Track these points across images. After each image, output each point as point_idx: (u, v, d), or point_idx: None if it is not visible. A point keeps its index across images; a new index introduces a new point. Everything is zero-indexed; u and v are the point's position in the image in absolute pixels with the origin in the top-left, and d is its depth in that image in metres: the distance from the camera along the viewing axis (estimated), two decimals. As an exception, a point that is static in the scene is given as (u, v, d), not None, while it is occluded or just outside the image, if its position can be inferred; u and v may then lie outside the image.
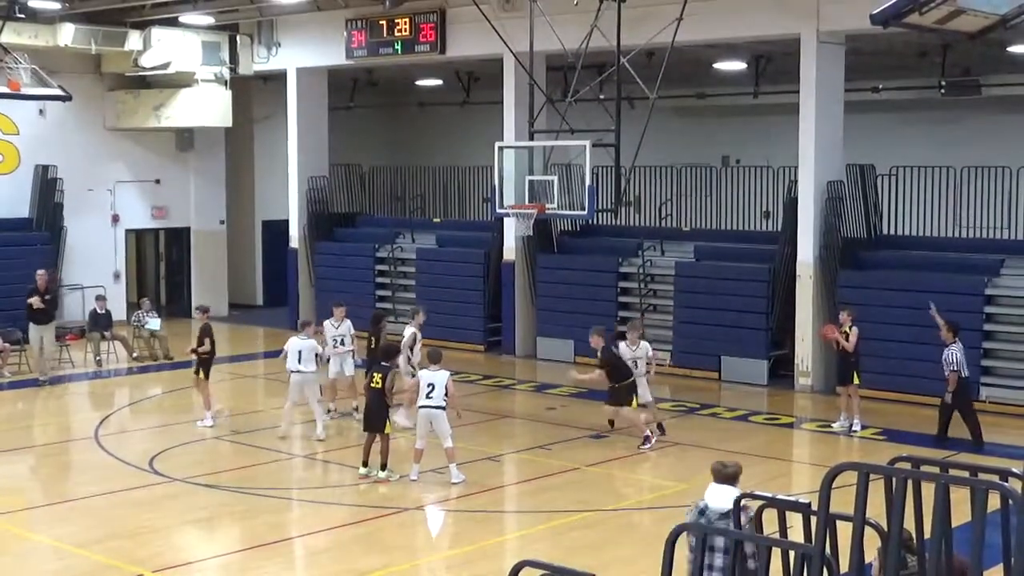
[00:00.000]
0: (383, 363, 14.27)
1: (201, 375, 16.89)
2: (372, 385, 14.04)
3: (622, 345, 16.11)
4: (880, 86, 25.61)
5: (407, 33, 23.42)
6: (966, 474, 5.73)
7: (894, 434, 16.45)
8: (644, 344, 16.22)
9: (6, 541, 12.09)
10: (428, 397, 13.63)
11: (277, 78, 27.28)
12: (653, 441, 15.69)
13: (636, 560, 11.22)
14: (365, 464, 14.09)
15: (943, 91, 24.51)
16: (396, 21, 23.50)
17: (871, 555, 6.45)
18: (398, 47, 23.67)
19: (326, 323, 17.51)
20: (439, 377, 13.66)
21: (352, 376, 17.29)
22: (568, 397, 19.10)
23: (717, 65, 25.08)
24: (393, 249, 25.49)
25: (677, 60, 18.92)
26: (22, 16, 21.51)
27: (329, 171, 26.93)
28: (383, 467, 14.01)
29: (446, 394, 13.67)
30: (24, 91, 21.23)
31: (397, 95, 33.50)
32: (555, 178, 17.49)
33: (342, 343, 17.21)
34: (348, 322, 17.44)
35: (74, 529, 12.50)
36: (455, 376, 15.01)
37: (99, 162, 26.26)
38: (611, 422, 16.35)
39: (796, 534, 6.43)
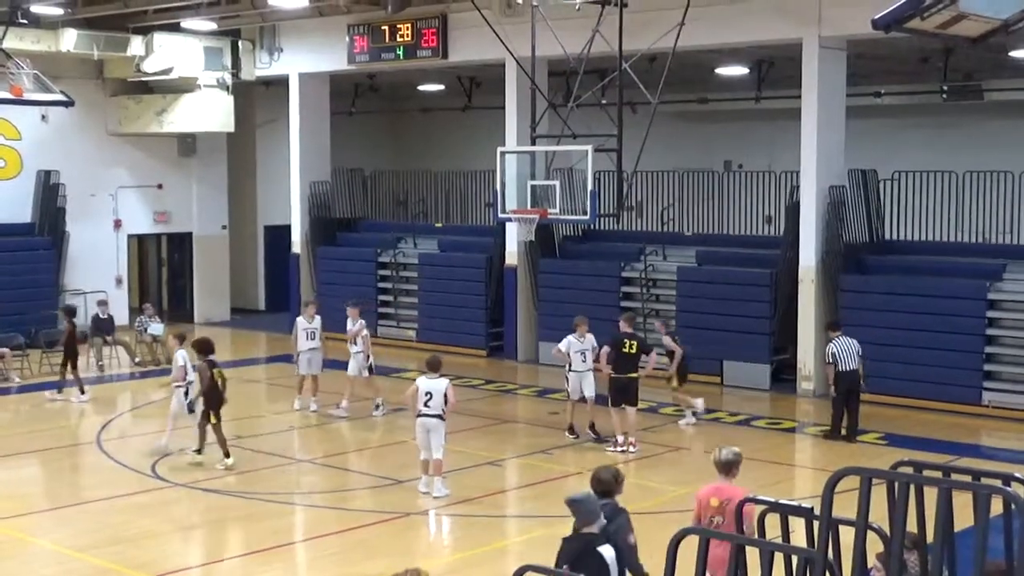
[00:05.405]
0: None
1: None
2: None
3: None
4: (882, 91, 25.63)
5: (409, 38, 23.42)
6: (969, 479, 5.73)
7: (896, 439, 16.44)
8: (590, 337, 16.21)
9: (8, 546, 12.08)
10: (426, 406, 13.31)
11: (279, 83, 27.29)
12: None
13: (638, 565, 11.18)
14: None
15: (945, 96, 24.51)
16: (398, 26, 23.51)
17: (871, 560, 6.45)
18: (400, 52, 23.69)
19: (299, 319, 18.30)
20: (437, 385, 13.37)
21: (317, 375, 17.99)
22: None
23: (719, 70, 25.08)
24: (395, 254, 25.48)
25: (679, 65, 18.93)
26: (24, 21, 21.51)
27: (331, 176, 26.93)
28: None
29: (446, 403, 13.36)
30: (26, 96, 21.26)
31: (399, 100, 33.53)
32: (557, 183, 17.51)
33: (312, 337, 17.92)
34: (319, 318, 18.22)
35: (76, 533, 12.50)
36: (456, 381, 14.97)
37: (101, 167, 26.27)
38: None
39: (798, 539, 6.43)
